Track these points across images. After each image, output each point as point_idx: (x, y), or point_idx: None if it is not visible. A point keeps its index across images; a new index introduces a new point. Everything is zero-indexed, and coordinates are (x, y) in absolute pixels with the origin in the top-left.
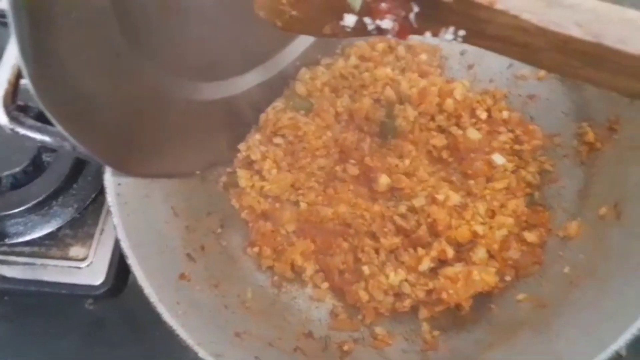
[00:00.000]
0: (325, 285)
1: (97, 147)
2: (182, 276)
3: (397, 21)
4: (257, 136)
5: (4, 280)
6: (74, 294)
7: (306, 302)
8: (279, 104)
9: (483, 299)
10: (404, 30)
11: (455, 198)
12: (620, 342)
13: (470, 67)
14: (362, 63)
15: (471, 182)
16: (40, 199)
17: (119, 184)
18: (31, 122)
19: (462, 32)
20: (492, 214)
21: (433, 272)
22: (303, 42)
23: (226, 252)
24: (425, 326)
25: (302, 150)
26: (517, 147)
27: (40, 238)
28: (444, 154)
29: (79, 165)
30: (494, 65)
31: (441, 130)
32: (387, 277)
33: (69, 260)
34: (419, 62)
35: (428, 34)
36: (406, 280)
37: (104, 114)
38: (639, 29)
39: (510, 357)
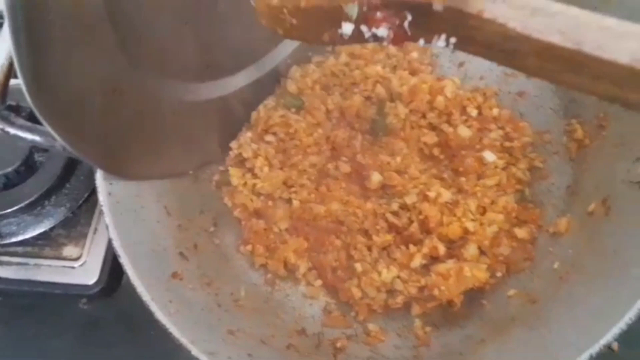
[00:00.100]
0: (319, 282)
1: (92, 153)
2: (174, 275)
3: (392, 29)
4: (249, 134)
5: None
6: (67, 294)
7: (299, 300)
8: (270, 101)
9: (475, 295)
10: (399, 37)
11: (446, 195)
12: (609, 337)
13: (460, 64)
14: (352, 61)
15: (462, 179)
16: (32, 198)
17: (111, 184)
18: (21, 121)
19: (453, 40)
20: (482, 210)
21: (425, 268)
22: (294, 41)
23: (219, 251)
24: (417, 322)
25: (293, 148)
26: (507, 144)
27: (33, 238)
28: (435, 151)
29: (71, 165)
30: (484, 63)
31: (432, 127)
32: (379, 274)
33: (62, 260)
34: (410, 59)
35: (421, 41)
36: (398, 277)
37: (98, 120)
38: (616, 36)
39: (502, 352)
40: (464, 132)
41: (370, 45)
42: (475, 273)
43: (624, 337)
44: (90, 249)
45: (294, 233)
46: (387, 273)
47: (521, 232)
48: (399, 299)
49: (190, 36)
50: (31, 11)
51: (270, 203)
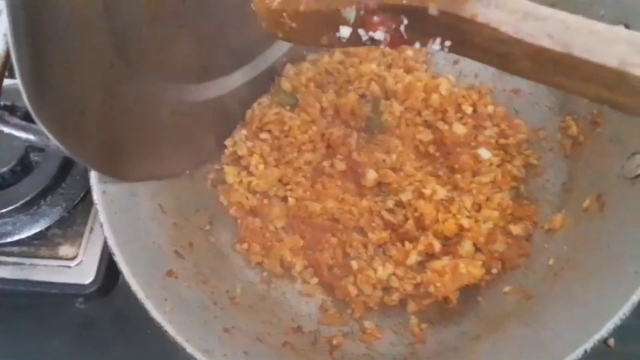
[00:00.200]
0: (315, 280)
1: (89, 155)
2: (169, 273)
3: (389, 33)
4: (244, 132)
5: None
6: (64, 293)
7: (295, 298)
8: (264, 99)
9: (470, 291)
10: (395, 41)
11: (441, 192)
12: (604, 332)
13: (455, 62)
14: (347, 59)
15: (457, 176)
16: (28, 198)
17: (105, 182)
18: (16, 120)
19: (448, 43)
20: (478, 207)
21: (421, 265)
22: None
23: (215, 249)
24: (413, 319)
25: (288, 145)
26: (502, 141)
27: (29, 238)
28: (431, 149)
29: (67, 165)
30: None
31: (427, 125)
32: (375, 271)
33: (58, 259)
34: (404, 57)
35: (417, 44)
36: (394, 274)
37: (95, 123)
38: (605, 40)
39: (498, 348)
40: (459, 129)
41: None
42: (471, 270)
43: (619, 333)
44: (86, 248)
45: (289, 231)
46: (383, 270)
47: (516, 229)
48: (395, 296)
49: (187, 38)
50: (32, 13)
51: (265, 201)
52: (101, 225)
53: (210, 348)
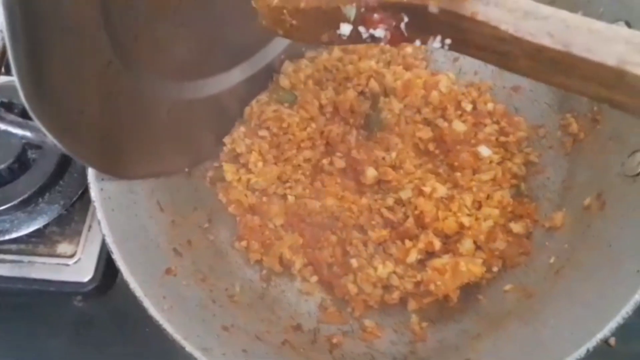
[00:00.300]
0: (314, 278)
1: (87, 154)
2: (168, 271)
3: (389, 30)
4: (242, 129)
5: None
6: (62, 291)
7: (295, 296)
8: (263, 97)
9: (471, 290)
10: (396, 38)
11: (441, 190)
12: (606, 331)
13: (455, 59)
14: (346, 56)
15: (457, 174)
16: (26, 196)
17: (103, 180)
18: (12, 117)
19: (448, 41)
20: (478, 205)
21: (421, 264)
22: None
23: (214, 247)
24: (414, 318)
25: (287, 143)
26: (502, 138)
27: (27, 235)
28: (430, 147)
29: (64, 162)
30: None
31: (427, 122)
32: (375, 269)
33: (56, 257)
34: (404, 55)
35: (418, 42)
36: (394, 272)
37: (93, 122)
38: (604, 39)
39: (498, 346)
40: (459, 127)
41: None
42: (471, 268)
43: (621, 332)
44: (84, 246)
45: (289, 229)
46: (383, 268)
47: (517, 227)
48: (395, 295)
49: (185, 35)
50: (29, 10)
51: (264, 199)
52: (99, 223)
53: (209, 346)
